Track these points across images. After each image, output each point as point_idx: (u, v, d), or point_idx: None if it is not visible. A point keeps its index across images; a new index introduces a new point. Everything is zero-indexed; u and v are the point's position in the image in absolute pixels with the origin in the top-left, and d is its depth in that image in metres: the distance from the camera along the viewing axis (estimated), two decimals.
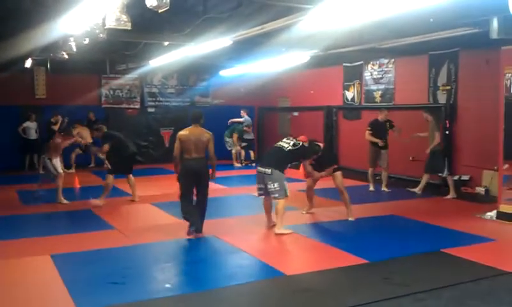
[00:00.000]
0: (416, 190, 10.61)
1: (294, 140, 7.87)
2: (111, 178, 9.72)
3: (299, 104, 16.70)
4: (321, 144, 8.41)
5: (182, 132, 7.41)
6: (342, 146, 14.81)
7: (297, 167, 10.26)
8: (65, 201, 9.77)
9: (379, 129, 11.11)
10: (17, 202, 10.05)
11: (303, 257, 6.51)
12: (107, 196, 9.67)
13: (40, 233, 7.56)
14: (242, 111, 16.47)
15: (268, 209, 7.88)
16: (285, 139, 7.94)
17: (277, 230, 7.45)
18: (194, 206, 7.43)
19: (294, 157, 7.79)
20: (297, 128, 16.47)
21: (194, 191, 7.47)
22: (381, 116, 11.18)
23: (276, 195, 7.44)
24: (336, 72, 14.85)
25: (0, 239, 7.22)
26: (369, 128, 11.25)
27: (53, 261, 6.05)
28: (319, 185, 8.93)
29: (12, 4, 7.93)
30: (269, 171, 7.43)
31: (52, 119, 14.04)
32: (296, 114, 17.10)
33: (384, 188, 11.14)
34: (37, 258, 6.28)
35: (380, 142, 11.02)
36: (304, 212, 8.79)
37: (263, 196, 7.80)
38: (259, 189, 7.74)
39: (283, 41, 9.66)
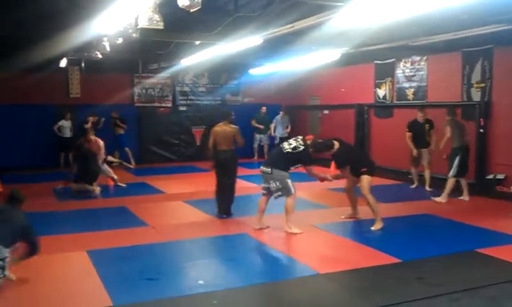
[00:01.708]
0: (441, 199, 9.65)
1: (299, 141, 7.59)
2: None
3: (330, 102, 16.61)
4: (336, 143, 7.73)
5: (215, 128, 8.58)
6: (374, 145, 14.69)
7: (329, 166, 10.26)
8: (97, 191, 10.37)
9: (419, 130, 10.71)
10: (53, 199, 10.28)
11: (335, 256, 6.47)
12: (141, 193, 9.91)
13: (76, 230, 7.73)
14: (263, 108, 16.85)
15: (261, 208, 7.70)
16: (291, 139, 7.79)
17: (288, 229, 7.42)
18: (224, 192, 8.45)
19: (293, 159, 7.49)
20: (327, 126, 16.43)
21: None
22: (420, 117, 10.74)
23: (279, 193, 7.44)
24: (367, 70, 14.73)
25: (39, 235, 7.42)
26: (408, 130, 10.83)
27: (89, 256, 6.19)
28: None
29: (48, 5, 8.11)
30: (269, 170, 7.48)
31: (90, 118, 14.27)
32: (326, 112, 17.03)
33: (427, 188, 10.80)
34: (74, 254, 6.43)
35: (414, 153, 10.74)
36: (343, 217, 8.28)
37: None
38: (263, 189, 7.72)
39: (313, 39, 9.62)
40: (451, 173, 9.54)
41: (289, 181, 7.41)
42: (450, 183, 9.55)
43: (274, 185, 7.43)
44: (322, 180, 7.98)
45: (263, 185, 7.76)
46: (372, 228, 7.56)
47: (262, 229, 7.62)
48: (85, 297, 5.08)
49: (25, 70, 13.37)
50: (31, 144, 14.75)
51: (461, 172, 9.59)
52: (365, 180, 7.64)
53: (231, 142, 8.43)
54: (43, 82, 14.71)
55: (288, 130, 16.60)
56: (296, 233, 7.34)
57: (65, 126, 14.79)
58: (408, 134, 10.82)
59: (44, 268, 5.92)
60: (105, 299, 4.95)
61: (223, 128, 8.47)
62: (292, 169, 7.61)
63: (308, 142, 7.64)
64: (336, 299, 4.99)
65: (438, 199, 9.52)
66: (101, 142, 11.11)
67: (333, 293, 5.16)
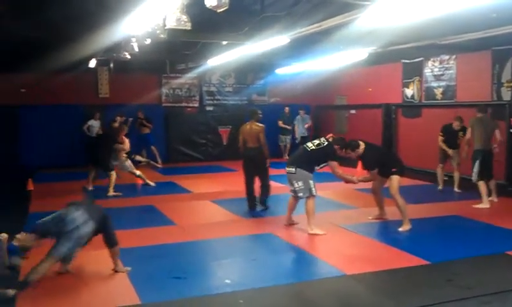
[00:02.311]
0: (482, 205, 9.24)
1: (322, 140, 7.66)
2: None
3: (357, 102, 16.50)
4: (362, 144, 7.63)
5: (243, 127, 9.16)
6: (402, 145, 14.52)
7: (355, 166, 10.20)
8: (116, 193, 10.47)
9: (451, 136, 10.46)
10: (83, 197, 10.43)
11: (362, 257, 6.42)
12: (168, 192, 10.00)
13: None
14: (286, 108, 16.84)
15: (291, 207, 7.80)
16: (315, 140, 7.82)
17: (310, 230, 7.38)
18: (253, 188, 8.98)
19: (317, 157, 7.51)
20: (354, 126, 16.32)
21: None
22: (455, 124, 10.41)
23: (301, 194, 7.45)
24: (395, 69, 14.58)
25: None
26: (441, 134, 10.60)
27: None
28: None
29: (77, 7, 8.25)
30: (293, 170, 7.49)
31: (117, 117, 14.44)
32: (353, 112, 16.91)
33: (456, 189, 10.61)
34: (103, 252, 6.50)
35: (450, 153, 10.51)
36: (370, 218, 8.20)
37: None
38: (290, 190, 7.71)
39: (340, 39, 9.58)
40: (473, 178, 9.28)
41: (312, 181, 7.42)
42: (481, 187, 9.20)
43: (297, 185, 7.46)
44: (348, 181, 7.89)
45: (289, 187, 7.74)
46: (400, 229, 7.46)
47: (292, 225, 7.72)
48: (113, 295, 5.15)
49: (56, 70, 13.65)
50: (61, 144, 15.02)
51: (486, 175, 9.32)
52: (395, 180, 7.52)
53: (257, 139, 8.81)
54: (73, 82, 15.04)
55: (308, 126, 16.54)
56: (318, 234, 7.32)
57: (94, 125, 15.01)
58: (441, 138, 10.60)
59: (73, 265, 6.02)
60: (133, 297, 5.02)
61: (251, 127, 8.92)
62: (317, 170, 7.60)
63: (330, 140, 7.67)
64: (364, 301, 4.96)
65: (479, 206, 9.08)
66: (126, 140, 11.27)
67: (360, 294, 5.13)
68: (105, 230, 5.68)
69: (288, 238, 7.16)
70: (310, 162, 7.48)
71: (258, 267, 6.05)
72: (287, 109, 16.87)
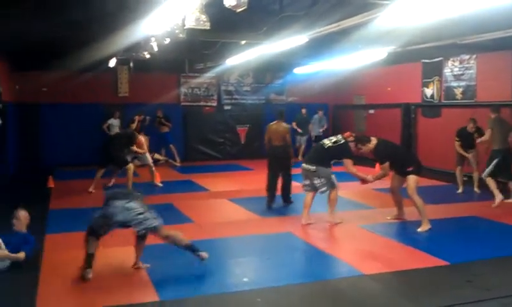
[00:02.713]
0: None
1: (339, 137, 7.89)
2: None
3: (375, 102, 16.41)
4: (374, 139, 7.72)
5: (270, 126, 9.53)
6: (421, 145, 14.40)
7: (373, 165, 10.15)
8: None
9: (467, 139, 10.38)
10: (102, 195, 10.52)
11: (381, 257, 6.40)
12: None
13: None
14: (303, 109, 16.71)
15: (307, 204, 7.94)
16: (332, 137, 8.04)
17: (329, 218, 7.82)
18: (275, 185, 9.29)
19: (333, 154, 7.78)
20: (373, 126, 16.23)
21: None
22: (470, 126, 10.34)
23: (325, 188, 7.79)
24: (414, 69, 14.47)
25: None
26: (457, 139, 10.50)
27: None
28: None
29: (98, 8, 8.32)
30: (313, 168, 7.78)
31: (135, 117, 14.55)
32: (371, 111, 16.83)
33: (476, 189, 10.48)
34: (122, 249, 6.58)
35: (469, 157, 10.40)
36: (389, 217, 8.17)
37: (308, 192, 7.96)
38: (304, 185, 7.99)
39: (359, 38, 9.54)
40: (485, 172, 9.27)
41: (333, 176, 7.82)
42: (491, 183, 9.18)
43: (319, 182, 7.72)
44: (363, 180, 7.93)
45: (304, 182, 7.96)
46: (419, 230, 7.41)
47: (309, 224, 7.77)
48: (133, 291, 5.22)
49: (76, 70, 13.85)
50: (80, 142, 15.19)
51: (505, 176, 9.24)
52: (412, 180, 7.48)
53: (283, 138, 9.27)
54: (93, 81, 15.23)
55: (324, 129, 16.50)
56: (337, 223, 7.72)
57: (114, 124, 15.14)
58: (457, 143, 10.49)
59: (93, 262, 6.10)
60: (152, 293, 5.08)
61: (277, 126, 9.37)
62: (332, 167, 7.82)
63: (348, 139, 7.81)
64: (382, 301, 4.94)
65: (496, 202, 9.02)
66: (142, 139, 11.36)
67: (379, 294, 5.11)
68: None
69: (307, 238, 7.17)
70: (326, 158, 7.78)
71: (276, 265, 6.06)
72: (303, 110, 16.77)
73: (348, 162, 7.74)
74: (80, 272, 5.50)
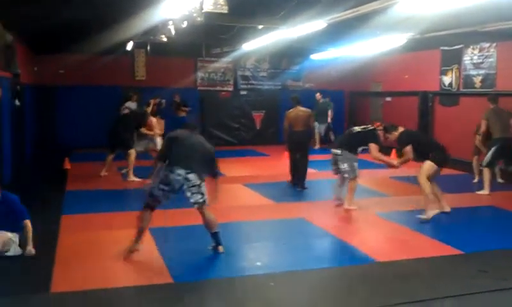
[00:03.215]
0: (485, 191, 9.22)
1: (368, 126, 8.07)
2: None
3: (393, 89, 16.26)
4: (401, 128, 7.74)
5: (289, 111, 9.79)
6: (438, 134, 14.24)
7: (388, 153, 10.08)
8: (136, 179, 10.14)
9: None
10: (118, 177, 10.63)
11: (394, 244, 6.39)
12: None
13: (139, 207, 7.94)
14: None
15: (339, 185, 8.12)
16: (364, 126, 8.21)
17: (346, 206, 7.75)
18: (297, 167, 9.64)
19: (361, 139, 7.89)
20: (389, 113, 16.10)
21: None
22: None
23: (346, 175, 7.83)
24: (433, 56, 14.29)
25: (104, 211, 7.77)
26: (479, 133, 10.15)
27: (151, 234, 6.38)
28: (410, 172, 8.58)
29: None
30: (339, 152, 7.92)
31: (151, 101, 14.57)
32: (388, 99, 16.69)
33: (499, 180, 10.27)
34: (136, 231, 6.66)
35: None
36: (437, 211, 7.59)
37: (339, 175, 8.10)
38: (332, 170, 8.19)
39: (378, 24, 9.43)
40: (484, 161, 9.30)
41: (356, 164, 7.81)
42: (486, 174, 9.20)
43: (343, 166, 7.85)
44: (389, 165, 7.96)
45: (332, 167, 8.13)
46: (419, 217, 7.31)
47: (339, 205, 7.95)
48: (147, 274, 5.26)
49: (94, 53, 13.91)
50: (97, 125, 15.27)
51: (506, 163, 9.30)
52: (425, 166, 7.37)
53: (304, 123, 9.55)
54: (111, 64, 15.29)
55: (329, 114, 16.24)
56: (353, 209, 7.70)
57: (132, 107, 15.17)
58: (478, 138, 10.10)
59: (108, 243, 6.18)
60: (166, 276, 5.13)
61: (297, 112, 9.63)
62: (359, 154, 7.90)
63: (378, 127, 7.96)
64: (396, 288, 4.92)
65: (481, 192, 9.13)
66: (154, 121, 11.30)
67: (392, 282, 5.09)
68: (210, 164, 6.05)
69: (320, 224, 7.16)
70: (354, 143, 7.87)
71: (289, 251, 6.08)
72: (318, 95, 16.57)
73: (374, 147, 7.75)
74: (129, 245, 5.65)
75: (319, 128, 16.22)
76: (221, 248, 5.85)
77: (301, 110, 9.66)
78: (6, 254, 5.52)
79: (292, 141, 9.72)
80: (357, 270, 5.42)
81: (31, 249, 5.63)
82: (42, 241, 5.91)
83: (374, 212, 7.83)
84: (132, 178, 10.20)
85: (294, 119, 9.64)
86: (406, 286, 4.97)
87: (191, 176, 5.64)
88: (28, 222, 5.74)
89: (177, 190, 5.67)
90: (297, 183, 9.65)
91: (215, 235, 5.87)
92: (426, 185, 7.32)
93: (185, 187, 5.63)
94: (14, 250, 5.61)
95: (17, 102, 10.87)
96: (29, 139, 13.04)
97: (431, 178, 7.54)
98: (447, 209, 7.67)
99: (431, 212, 7.31)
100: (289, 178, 9.99)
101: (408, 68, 15.38)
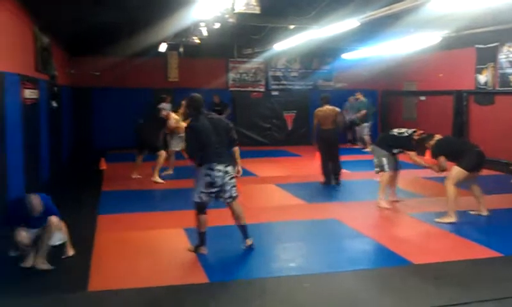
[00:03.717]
0: None
1: (408, 131, 8.07)
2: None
3: (427, 88, 16.01)
4: (437, 136, 7.61)
5: (318, 109, 9.98)
6: (474, 133, 13.98)
7: (423, 153, 9.93)
8: (160, 180, 10.16)
9: None
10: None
11: (431, 246, 6.28)
12: None
13: (174, 207, 8.06)
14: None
15: (390, 183, 8.24)
16: (404, 129, 8.24)
17: (377, 202, 8.01)
18: (328, 165, 9.90)
19: (395, 142, 8.06)
20: (424, 113, 15.89)
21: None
22: None
23: (377, 169, 8.13)
24: (467, 54, 14.00)
25: (139, 211, 7.87)
26: None
27: (186, 234, 6.46)
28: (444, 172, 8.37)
29: None
30: (372, 147, 8.58)
31: (182, 102, 14.64)
32: (423, 98, 16.44)
33: None
34: (172, 231, 6.74)
35: None
36: (473, 212, 7.55)
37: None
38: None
39: (412, 22, 9.33)
40: None
41: (384, 159, 8.02)
42: None
43: (374, 161, 8.20)
44: (430, 168, 7.82)
45: None
46: (437, 220, 7.17)
47: (395, 201, 8.24)
48: (182, 273, 5.32)
49: (128, 55, 14.13)
50: (131, 126, 15.48)
51: None
52: (454, 171, 7.20)
53: (332, 122, 9.82)
54: (143, 66, 15.51)
55: (361, 114, 15.93)
56: (383, 207, 7.87)
57: (166, 109, 15.33)
58: None
59: (144, 243, 6.26)
60: (201, 275, 5.16)
61: (325, 110, 9.86)
62: (396, 153, 8.09)
63: (414, 136, 7.95)
64: (433, 291, 4.83)
65: None
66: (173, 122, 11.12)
67: (428, 285, 5.00)
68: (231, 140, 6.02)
69: (354, 225, 7.09)
70: (387, 142, 8.17)
71: (322, 252, 6.04)
72: (351, 98, 16.43)
73: (411, 154, 7.93)
74: (194, 249, 5.77)
75: (359, 132, 15.96)
76: (249, 241, 5.93)
77: (329, 108, 9.88)
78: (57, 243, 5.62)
79: (321, 140, 9.96)
80: (393, 272, 5.35)
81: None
82: (79, 240, 6.02)
83: (407, 213, 7.73)
84: (157, 179, 10.20)
85: (322, 117, 9.85)
86: (445, 289, 4.88)
87: (229, 168, 5.73)
88: (54, 219, 5.52)
89: (220, 186, 5.69)
90: (331, 180, 9.93)
91: (243, 228, 5.96)
92: (451, 191, 7.15)
93: (225, 180, 5.67)
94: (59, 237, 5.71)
95: (54, 104, 11.11)
96: (65, 139, 13.32)
97: (471, 181, 7.41)
98: (484, 213, 7.49)
99: (449, 219, 7.14)
100: (321, 178, 9.98)
101: (443, 67, 15.12)
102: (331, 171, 9.94)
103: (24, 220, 5.41)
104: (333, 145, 9.91)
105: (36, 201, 5.38)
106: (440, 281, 5.06)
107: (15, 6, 7.81)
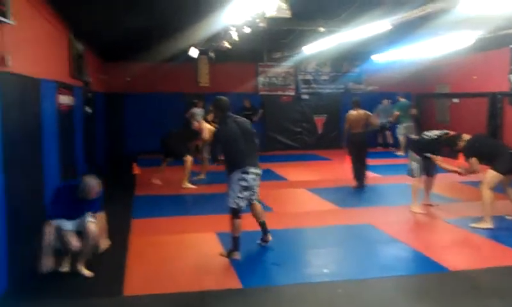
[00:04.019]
0: None
1: (438, 133, 7.92)
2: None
3: (460, 90, 15.71)
4: (465, 136, 7.39)
5: (350, 113, 10.12)
6: (508, 136, 13.65)
7: (455, 156, 9.74)
8: (190, 186, 10.19)
9: None
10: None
11: (468, 252, 6.15)
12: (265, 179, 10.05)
13: (206, 212, 8.10)
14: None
15: (425, 188, 8.20)
16: (437, 131, 8.03)
17: (410, 207, 7.94)
18: (359, 168, 9.99)
19: (426, 146, 7.89)
20: (457, 116, 15.61)
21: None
22: None
23: (409, 173, 8.06)
24: (501, 56, 13.69)
25: (172, 215, 7.94)
26: None
27: (218, 238, 6.47)
28: (479, 176, 8.19)
29: None
30: (409, 152, 8.41)
31: (210, 107, 14.70)
32: (456, 101, 16.14)
33: None
34: (204, 235, 6.76)
35: None
36: (508, 217, 7.43)
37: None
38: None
39: (444, 24, 9.15)
40: None
41: (415, 163, 7.95)
42: None
43: (408, 165, 8.16)
44: (459, 173, 7.62)
45: None
46: (472, 225, 7.00)
47: (429, 205, 8.18)
48: (216, 278, 5.33)
49: (160, 60, 14.28)
50: (163, 130, 15.63)
51: None
52: (488, 175, 7.02)
53: (363, 125, 9.98)
54: (175, 71, 15.68)
55: (392, 118, 15.77)
56: (416, 212, 7.81)
57: (198, 113, 15.36)
58: None
59: (176, 247, 6.31)
60: (234, 280, 5.16)
61: (356, 113, 10.00)
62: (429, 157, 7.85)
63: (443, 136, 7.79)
64: (470, 299, 4.73)
65: None
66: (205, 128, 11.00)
67: (466, 292, 4.90)
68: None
69: (388, 230, 7.00)
70: (418, 146, 8.10)
71: (356, 257, 5.98)
72: (385, 101, 16.23)
73: (438, 159, 7.80)
74: (227, 254, 5.81)
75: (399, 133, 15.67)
76: (267, 237, 6.10)
77: (360, 112, 10.01)
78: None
79: (352, 143, 10.06)
80: (429, 279, 5.25)
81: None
82: (114, 244, 6.09)
83: (443, 218, 7.59)
84: (187, 185, 10.18)
85: (354, 121, 9.97)
86: (483, 297, 4.77)
87: (259, 170, 5.90)
88: (91, 227, 5.43)
89: (253, 188, 5.83)
90: (358, 183, 10.00)
91: (263, 224, 6.13)
92: (487, 196, 6.96)
93: (256, 182, 5.86)
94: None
95: (88, 109, 11.30)
96: (99, 144, 13.53)
97: (506, 184, 7.25)
98: None
99: (485, 225, 6.95)
100: (353, 183, 9.92)
101: (476, 69, 14.83)
102: (359, 173, 10.04)
103: (66, 210, 5.36)
104: (363, 149, 10.02)
105: (93, 182, 5.40)
106: (478, 290, 4.95)
107: (52, 15, 7.98)
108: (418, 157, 7.92)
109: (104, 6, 8.25)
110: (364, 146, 10.07)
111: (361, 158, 10.00)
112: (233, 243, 5.82)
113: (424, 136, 8.07)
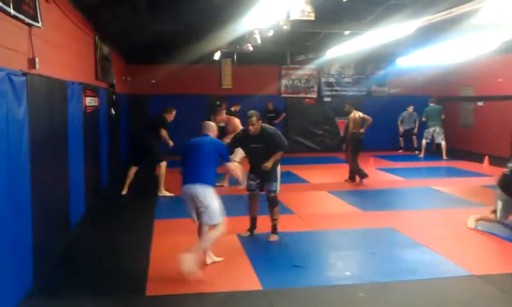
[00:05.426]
0: None
1: None
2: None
3: (485, 93, 15.49)
4: None
5: (352, 115, 10.78)
6: None
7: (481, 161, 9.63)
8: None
9: None
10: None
11: (493, 257, 6.07)
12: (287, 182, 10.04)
13: (228, 214, 8.05)
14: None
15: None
16: None
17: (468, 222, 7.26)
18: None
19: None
20: (482, 119, 15.40)
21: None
22: None
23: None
24: None
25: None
26: None
27: (239, 240, 6.50)
28: None
29: (207, 1, 8.57)
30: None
31: (232, 109, 14.76)
32: (480, 104, 15.91)
33: None
34: (225, 237, 6.75)
35: None
36: None
37: None
38: None
39: (470, 26, 9.05)
40: None
41: (500, 204, 6.85)
42: None
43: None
44: None
45: None
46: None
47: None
48: (236, 279, 5.34)
49: (184, 63, 14.40)
50: (186, 132, 15.66)
51: None
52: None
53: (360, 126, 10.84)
54: (198, 73, 15.77)
55: (416, 125, 15.86)
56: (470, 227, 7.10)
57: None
58: None
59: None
60: (255, 282, 5.18)
61: (356, 115, 10.76)
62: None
63: None
64: (494, 304, 4.68)
65: None
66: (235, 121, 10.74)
67: (490, 297, 4.84)
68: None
69: (410, 234, 6.94)
70: (504, 183, 6.80)
71: (378, 261, 5.95)
72: (410, 108, 16.07)
73: None
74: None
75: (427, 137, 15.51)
76: (274, 237, 6.50)
77: (357, 113, 10.83)
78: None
79: (359, 141, 10.80)
80: (451, 284, 5.21)
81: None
82: (137, 244, 6.17)
83: (466, 223, 7.49)
84: (164, 192, 9.74)
85: (356, 122, 10.75)
86: (508, 303, 4.71)
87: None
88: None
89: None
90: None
91: (274, 221, 6.65)
92: None
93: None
94: None
95: (113, 111, 11.45)
96: (123, 145, 13.69)
97: None
98: None
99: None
100: (368, 183, 10.65)
101: (501, 71, 14.61)
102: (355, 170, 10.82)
103: None
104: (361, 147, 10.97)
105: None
106: (503, 294, 4.89)
107: (78, 18, 8.12)
108: (506, 197, 6.73)
109: (130, 10, 8.38)
110: (362, 144, 10.92)
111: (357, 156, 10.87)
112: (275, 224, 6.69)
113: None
